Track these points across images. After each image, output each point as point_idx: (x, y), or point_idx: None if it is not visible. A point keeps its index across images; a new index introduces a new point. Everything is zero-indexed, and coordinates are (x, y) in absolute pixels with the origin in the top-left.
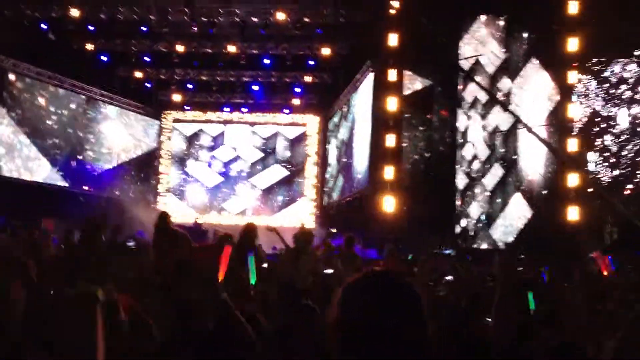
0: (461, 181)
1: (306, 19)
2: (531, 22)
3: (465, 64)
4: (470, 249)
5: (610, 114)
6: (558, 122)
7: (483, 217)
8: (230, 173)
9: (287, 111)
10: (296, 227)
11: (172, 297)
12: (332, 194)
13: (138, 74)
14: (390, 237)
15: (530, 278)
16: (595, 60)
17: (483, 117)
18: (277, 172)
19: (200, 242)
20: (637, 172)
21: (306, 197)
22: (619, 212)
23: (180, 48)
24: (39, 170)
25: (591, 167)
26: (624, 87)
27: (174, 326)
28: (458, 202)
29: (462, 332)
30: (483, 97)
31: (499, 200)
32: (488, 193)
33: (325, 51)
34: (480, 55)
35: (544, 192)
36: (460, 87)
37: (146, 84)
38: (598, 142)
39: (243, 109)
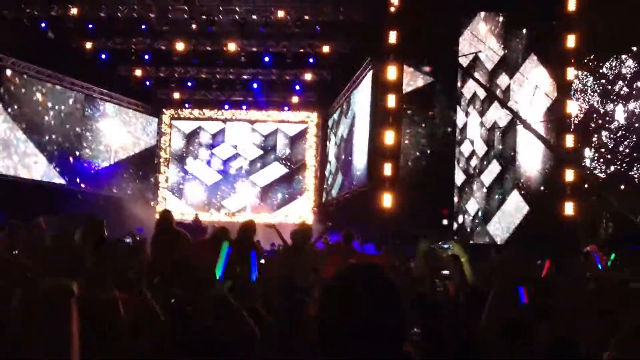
0: (459, 178)
1: (306, 17)
2: (530, 19)
3: (464, 61)
4: (468, 244)
5: (606, 110)
6: (556, 118)
7: (480, 213)
8: (230, 171)
9: (287, 109)
10: (295, 223)
11: (169, 295)
12: (331, 190)
13: (138, 72)
14: (389, 233)
15: (525, 273)
16: (593, 56)
17: (481, 113)
18: (276, 170)
19: (199, 239)
20: (633, 168)
21: (305, 194)
22: (615, 208)
23: (180, 46)
24: (37, 167)
25: (587, 163)
26: (620, 83)
27: (173, 325)
28: (455, 199)
29: (458, 327)
30: (481, 93)
31: (496, 197)
32: (485, 190)
33: (325, 49)
34: (479, 52)
35: (542, 188)
36: (459, 84)
37: (146, 82)
38: (594, 138)
39: (243, 107)
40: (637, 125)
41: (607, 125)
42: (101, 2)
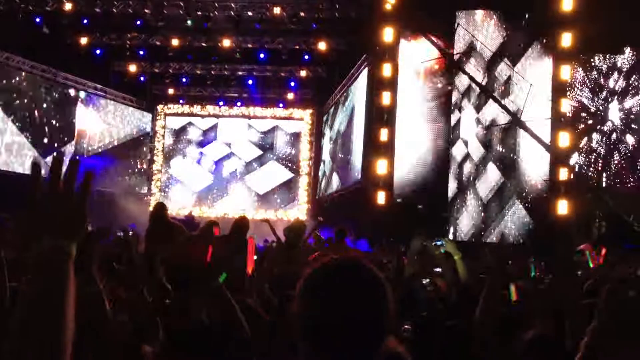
0: (450, 186)
1: (302, 13)
2: (526, 17)
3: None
4: (462, 242)
5: (599, 108)
6: (552, 116)
7: (473, 231)
8: (223, 171)
9: (282, 105)
10: (289, 219)
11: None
12: (325, 187)
13: (132, 68)
14: (382, 229)
15: (517, 271)
16: (587, 55)
17: (477, 108)
18: (273, 169)
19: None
20: (623, 165)
21: (300, 191)
22: (609, 207)
23: (175, 42)
24: (29, 161)
25: (580, 161)
26: (614, 82)
27: (169, 322)
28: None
29: (449, 324)
30: (480, 66)
31: (494, 212)
32: (480, 203)
33: (321, 46)
34: (475, 39)
35: (545, 195)
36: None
37: (140, 78)
38: (588, 136)
39: (237, 103)
40: (629, 123)
41: (599, 124)
42: None
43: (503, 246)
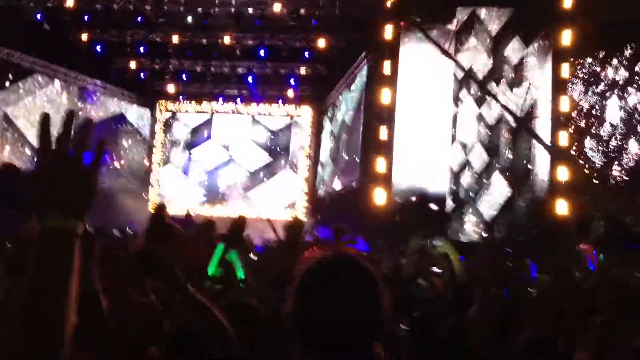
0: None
1: (302, 11)
2: (527, 15)
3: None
4: (459, 242)
5: (594, 106)
6: (551, 115)
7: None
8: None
9: (282, 102)
10: (288, 219)
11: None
12: (324, 185)
13: (133, 64)
14: (381, 229)
15: (511, 271)
16: (587, 55)
17: (480, 101)
18: (261, 157)
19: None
20: (624, 164)
21: (298, 189)
22: (607, 206)
23: (175, 38)
24: (31, 158)
25: (580, 160)
26: (614, 71)
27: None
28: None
29: (445, 323)
30: (482, 67)
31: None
32: (483, 225)
33: (321, 43)
34: (477, 20)
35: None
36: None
37: (141, 74)
38: (578, 141)
39: (237, 100)
40: (634, 125)
41: (598, 122)
42: None
43: (494, 245)
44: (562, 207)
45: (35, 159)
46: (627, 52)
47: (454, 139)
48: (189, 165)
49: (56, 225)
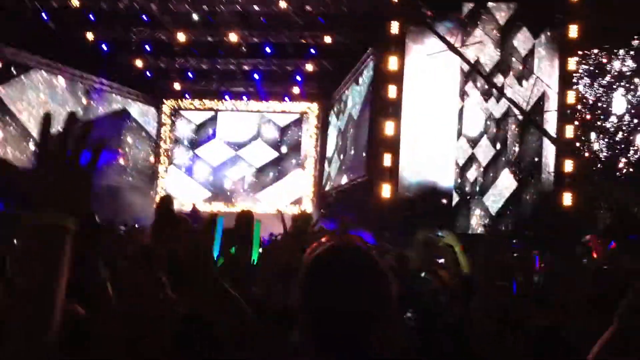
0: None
1: (308, 7)
2: (535, 7)
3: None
4: (464, 234)
5: (600, 98)
6: (557, 108)
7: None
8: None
9: (288, 99)
10: (295, 213)
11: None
12: (330, 181)
13: (138, 63)
14: (387, 222)
15: (517, 262)
16: (594, 48)
17: (487, 94)
18: (268, 153)
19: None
20: (630, 156)
21: (305, 184)
22: (615, 198)
23: (181, 37)
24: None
25: (586, 153)
26: (620, 63)
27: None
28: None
29: (451, 315)
30: (488, 60)
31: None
32: (490, 220)
33: (327, 40)
34: (480, 42)
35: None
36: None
37: (146, 73)
38: (584, 135)
39: (243, 98)
40: (634, 115)
41: (605, 115)
42: None
43: (496, 239)
44: (568, 199)
45: (34, 156)
46: (635, 43)
47: (459, 133)
48: (195, 163)
49: (49, 220)
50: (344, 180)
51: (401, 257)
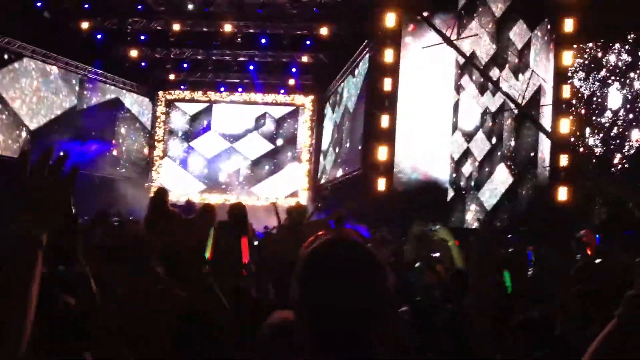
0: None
1: None
2: (531, 1)
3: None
4: (459, 228)
5: (595, 92)
6: (553, 102)
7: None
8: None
9: (283, 91)
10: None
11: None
12: (325, 174)
13: (133, 53)
14: (382, 215)
15: (510, 257)
16: (589, 41)
17: (482, 88)
18: (264, 146)
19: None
20: (625, 151)
21: (300, 176)
22: (610, 193)
23: (176, 27)
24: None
25: (581, 148)
26: (615, 57)
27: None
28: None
29: (444, 310)
30: (484, 53)
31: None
32: (485, 215)
33: (323, 31)
34: (476, 35)
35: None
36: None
37: (141, 63)
38: (579, 130)
39: (239, 89)
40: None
41: (600, 109)
42: None
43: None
44: (563, 194)
45: (11, 177)
46: (630, 37)
47: (455, 126)
48: (190, 155)
49: (23, 231)
50: (340, 173)
51: (396, 251)
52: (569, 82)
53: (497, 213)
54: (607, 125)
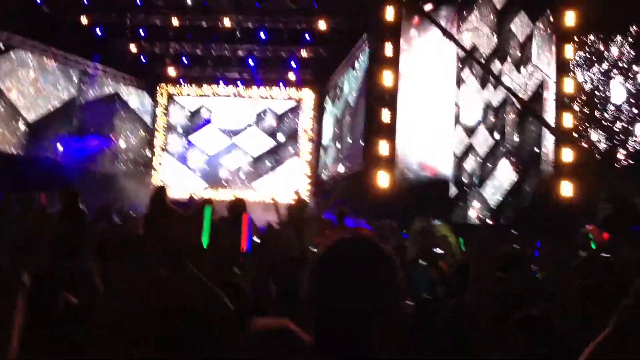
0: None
1: None
2: None
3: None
4: (461, 223)
5: (597, 86)
6: (556, 96)
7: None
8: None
9: (282, 85)
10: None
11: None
12: (327, 169)
13: (133, 47)
14: (384, 211)
15: (516, 252)
16: (591, 35)
17: (484, 81)
18: (264, 141)
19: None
20: (629, 146)
21: (301, 173)
22: (615, 188)
23: (175, 21)
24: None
25: (584, 143)
26: (617, 49)
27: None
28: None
29: (446, 306)
30: (485, 45)
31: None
32: (488, 212)
33: (322, 25)
34: (476, 27)
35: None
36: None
37: (140, 57)
38: (580, 125)
39: (238, 83)
40: (632, 104)
41: (603, 103)
42: None
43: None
44: (567, 189)
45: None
46: (632, 29)
47: (457, 121)
48: (189, 150)
49: (4, 271)
50: (341, 168)
51: (398, 248)
52: (571, 75)
53: (500, 209)
54: (610, 119)
